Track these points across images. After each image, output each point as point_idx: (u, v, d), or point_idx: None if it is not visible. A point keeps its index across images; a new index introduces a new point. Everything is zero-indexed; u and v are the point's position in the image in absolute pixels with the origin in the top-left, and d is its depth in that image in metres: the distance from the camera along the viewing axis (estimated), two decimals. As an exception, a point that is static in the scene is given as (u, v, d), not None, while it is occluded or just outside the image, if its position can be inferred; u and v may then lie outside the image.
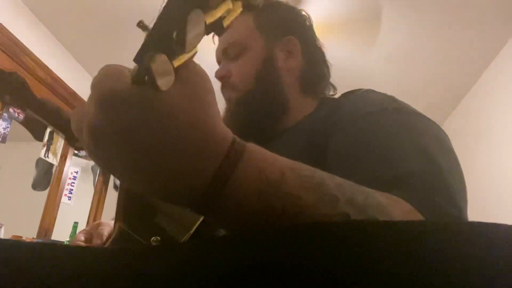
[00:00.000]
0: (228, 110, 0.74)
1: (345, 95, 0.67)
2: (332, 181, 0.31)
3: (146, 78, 0.24)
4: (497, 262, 0.22)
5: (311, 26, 0.80)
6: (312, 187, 0.29)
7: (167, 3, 0.23)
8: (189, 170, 0.27)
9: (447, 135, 0.52)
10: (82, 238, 0.65)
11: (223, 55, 0.75)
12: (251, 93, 0.70)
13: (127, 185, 0.34)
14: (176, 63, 0.25)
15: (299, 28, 0.77)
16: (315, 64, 0.76)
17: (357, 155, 0.49)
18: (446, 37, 2.21)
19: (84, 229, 0.68)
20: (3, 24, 1.97)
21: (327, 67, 0.78)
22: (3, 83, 2.14)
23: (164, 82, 0.24)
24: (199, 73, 0.29)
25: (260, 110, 0.71)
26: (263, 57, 0.72)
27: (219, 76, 0.74)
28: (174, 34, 0.23)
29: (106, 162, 0.28)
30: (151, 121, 0.26)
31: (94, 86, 0.27)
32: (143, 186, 0.29)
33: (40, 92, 2.28)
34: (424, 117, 0.54)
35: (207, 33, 0.26)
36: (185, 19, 0.23)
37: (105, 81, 0.27)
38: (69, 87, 2.47)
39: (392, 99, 0.59)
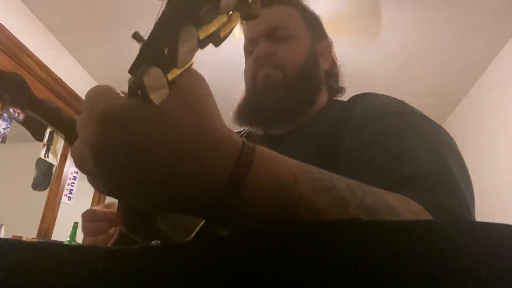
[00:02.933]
0: (251, 93, 0.75)
1: (354, 97, 0.69)
2: (343, 183, 0.31)
3: (139, 92, 0.24)
4: (505, 261, 0.22)
5: None
6: (323, 190, 0.29)
7: (160, 18, 0.23)
8: (201, 178, 0.26)
9: (454, 140, 0.54)
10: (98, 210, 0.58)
11: (266, 35, 0.75)
12: (296, 76, 0.72)
13: (139, 204, 0.33)
14: (170, 76, 0.25)
15: (326, 34, 0.84)
16: (336, 67, 0.82)
17: (369, 154, 0.50)
18: (446, 37, 2.21)
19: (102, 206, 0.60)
20: (3, 24, 1.97)
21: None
22: (3, 83, 2.14)
23: (157, 96, 0.24)
24: (195, 79, 0.28)
25: (299, 94, 0.71)
26: (309, 50, 0.76)
27: (264, 51, 0.73)
28: (166, 50, 0.23)
29: (116, 185, 0.27)
30: (153, 133, 0.25)
31: (90, 107, 0.26)
32: (154, 201, 0.28)
33: (40, 92, 2.28)
34: (434, 121, 0.55)
35: (202, 47, 0.25)
36: (176, 35, 0.23)
37: (100, 99, 0.26)
38: (69, 87, 2.47)
39: (402, 102, 0.60)
